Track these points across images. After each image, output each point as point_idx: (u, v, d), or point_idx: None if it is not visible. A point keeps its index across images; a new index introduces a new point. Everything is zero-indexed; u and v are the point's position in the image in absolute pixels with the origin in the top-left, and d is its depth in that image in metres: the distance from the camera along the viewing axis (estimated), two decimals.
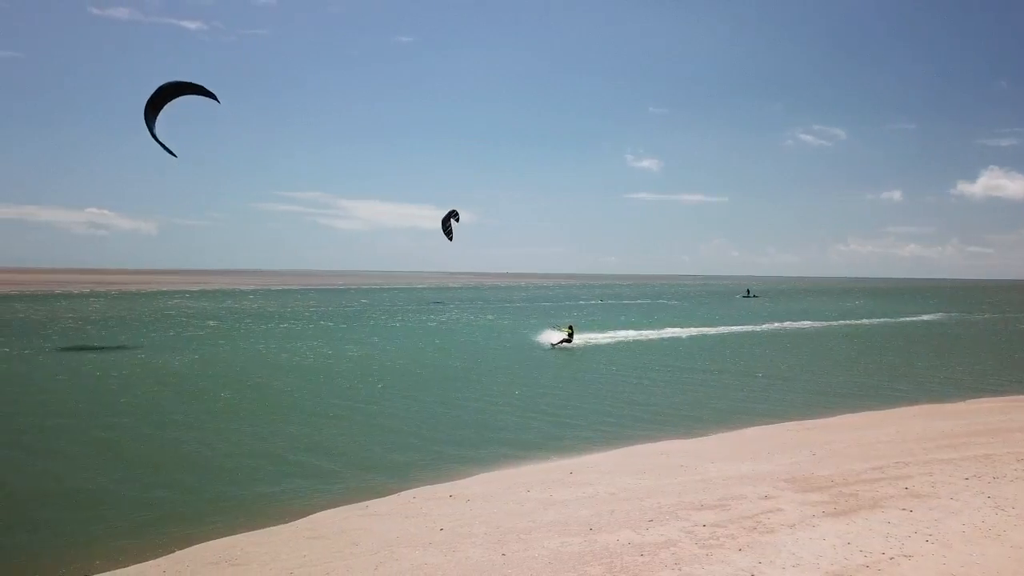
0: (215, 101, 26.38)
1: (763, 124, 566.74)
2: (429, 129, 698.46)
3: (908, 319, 67.15)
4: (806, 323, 59.02)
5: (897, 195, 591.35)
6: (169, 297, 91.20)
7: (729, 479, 12.42)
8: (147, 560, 9.90)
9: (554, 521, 10.28)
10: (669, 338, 44.45)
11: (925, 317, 70.06)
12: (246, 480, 13.66)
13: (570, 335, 37.37)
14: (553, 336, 38.07)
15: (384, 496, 12.62)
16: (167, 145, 25.88)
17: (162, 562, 9.84)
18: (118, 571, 9.60)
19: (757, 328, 52.98)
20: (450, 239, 39.11)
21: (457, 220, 39.08)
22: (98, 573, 9.55)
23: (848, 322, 61.64)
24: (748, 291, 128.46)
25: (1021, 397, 23.79)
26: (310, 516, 11.59)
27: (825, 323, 59.93)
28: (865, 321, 63.20)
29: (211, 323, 50.94)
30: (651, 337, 44.60)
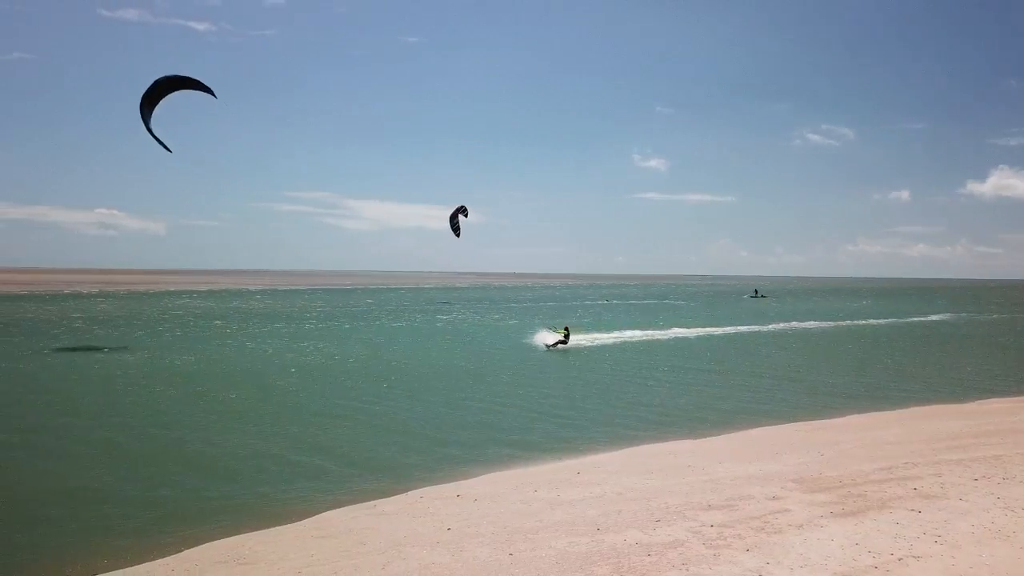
0: (213, 97, 26.32)
1: (770, 124, 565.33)
2: (436, 129, 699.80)
3: (916, 319, 66.85)
4: (814, 323, 58.82)
5: (905, 195, 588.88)
6: (177, 297, 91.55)
7: (737, 479, 12.39)
8: (155, 559, 9.94)
9: (561, 521, 10.28)
10: (676, 338, 44.36)
11: (934, 317, 69.73)
12: (253, 480, 13.70)
13: (566, 336, 37.17)
14: (549, 337, 37.87)
15: (391, 496, 12.63)
16: (162, 140, 25.77)
17: (170, 561, 9.88)
18: (126, 570, 9.64)
19: (764, 328, 52.82)
20: (457, 235, 38.93)
21: (466, 215, 38.88)
22: (106, 572, 9.59)
23: (856, 322, 61.41)
24: (756, 291, 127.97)
25: None
26: (317, 515, 11.61)
27: (833, 323, 59.72)
28: (873, 321, 62.94)
29: (218, 323, 51.12)
30: (657, 337, 44.53)
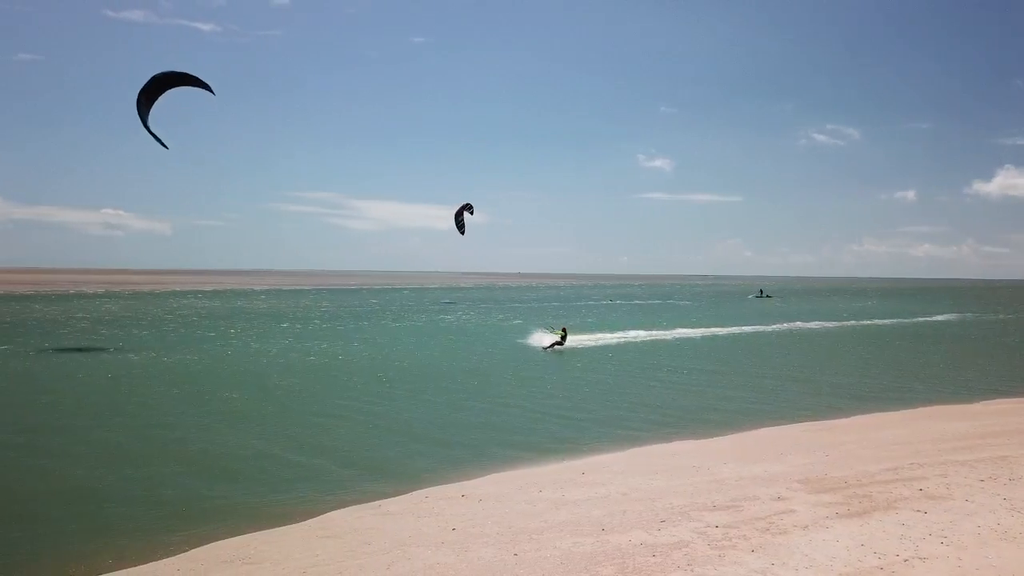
0: (211, 93, 26.12)
1: (775, 123, 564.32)
2: (441, 129, 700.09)
3: (922, 319, 66.65)
4: (818, 323, 58.70)
5: (911, 195, 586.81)
6: (182, 297, 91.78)
7: (741, 480, 12.38)
8: (160, 559, 9.96)
9: (566, 521, 10.28)
10: (680, 338, 44.30)
11: (939, 317, 69.49)
12: (257, 480, 13.72)
13: (563, 338, 37.06)
14: (545, 338, 37.76)
15: (396, 496, 12.64)
16: (160, 137, 25.56)
17: (175, 560, 9.90)
18: (131, 569, 9.66)
19: (768, 328, 52.74)
20: (462, 232, 38.95)
21: (471, 213, 38.89)
22: (111, 571, 9.61)
23: (861, 322, 61.26)
24: (762, 291, 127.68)
25: None
26: (322, 515, 11.63)
27: (838, 323, 59.59)
28: (878, 321, 62.79)
29: (222, 323, 51.22)
30: (662, 337, 44.48)
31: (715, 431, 18.13)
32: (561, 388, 24.77)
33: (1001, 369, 31.41)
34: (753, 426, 18.81)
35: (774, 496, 10.98)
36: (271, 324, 50.94)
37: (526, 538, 9.57)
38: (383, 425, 18.61)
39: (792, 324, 57.08)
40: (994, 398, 23.61)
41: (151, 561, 9.89)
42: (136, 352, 32.78)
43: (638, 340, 42.42)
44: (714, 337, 45.83)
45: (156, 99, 24.99)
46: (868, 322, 61.80)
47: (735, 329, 51.07)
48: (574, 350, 36.79)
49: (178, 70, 25.12)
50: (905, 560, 8.09)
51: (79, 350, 33.49)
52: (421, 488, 13.07)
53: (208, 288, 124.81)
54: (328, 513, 11.73)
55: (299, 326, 49.78)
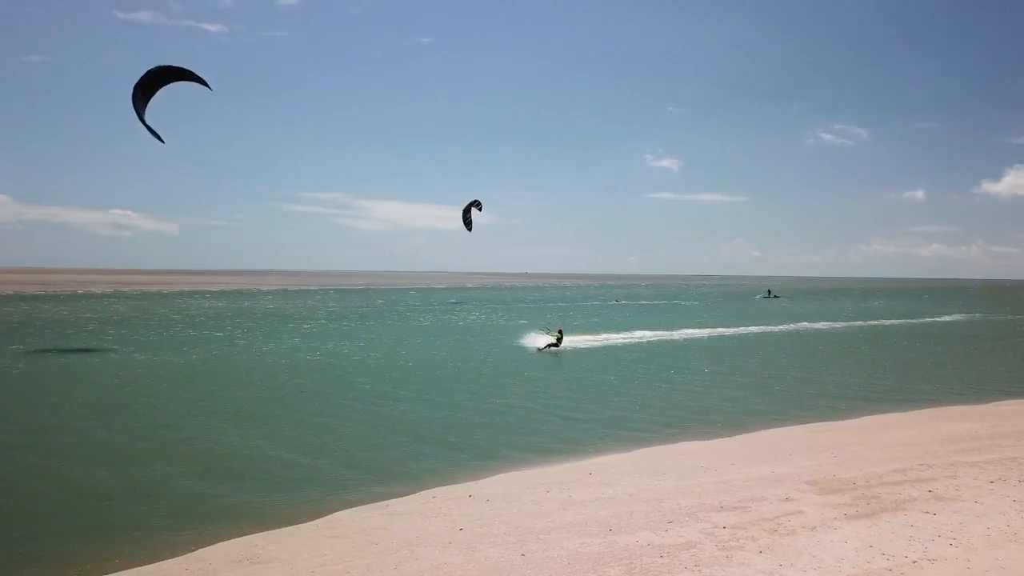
0: (208, 89, 26.07)
1: (783, 123, 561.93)
2: (448, 129, 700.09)
3: (930, 320, 66.38)
4: (826, 324, 58.52)
5: (920, 194, 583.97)
6: (189, 297, 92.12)
7: (749, 481, 12.35)
8: (168, 558, 10.00)
9: (573, 522, 10.28)
10: (686, 339, 44.23)
11: (948, 318, 69.18)
12: (264, 480, 13.76)
13: (558, 339, 36.96)
14: (540, 340, 37.66)
15: (403, 496, 12.66)
16: (156, 131, 25.51)
17: (183, 560, 9.94)
18: (140, 568, 9.70)
19: (776, 328, 52.61)
20: (469, 229, 38.81)
21: (480, 209, 38.75)
22: (120, 571, 9.65)
23: (869, 323, 61.04)
24: (769, 291, 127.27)
25: None
26: (330, 515, 11.66)
27: (845, 324, 59.40)
28: (886, 322, 62.55)
29: (229, 324, 51.40)
30: (668, 338, 44.42)
31: (722, 432, 18.10)
32: (567, 389, 24.76)
33: (1011, 370, 31.24)
34: (760, 427, 18.77)
35: (782, 497, 10.96)
36: (278, 324, 51.09)
37: (533, 538, 9.57)
38: (390, 426, 18.63)
39: (799, 324, 56.93)
40: (1004, 399, 23.50)
41: (159, 561, 9.93)
42: (143, 352, 32.92)
43: (644, 340, 42.38)
44: (721, 337, 45.74)
45: (153, 94, 24.95)
46: (876, 322, 61.57)
47: (742, 329, 50.97)
48: (580, 350, 36.79)
49: (175, 65, 25.07)
50: (914, 562, 8.06)
51: (87, 351, 33.64)
52: (428, 488, 13.08)
53: (215, 288, 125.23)
54: (335, 513, 11.76)
55: (306, 326, 49.90)
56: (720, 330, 49.96)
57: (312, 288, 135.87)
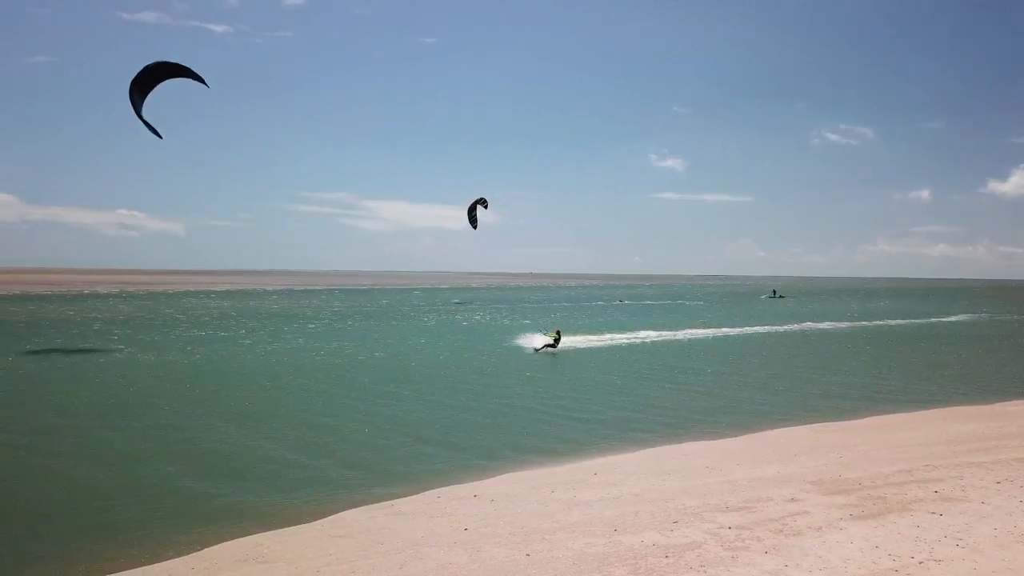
0: (204, 85, 25.99)
1: (788, 123, 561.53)
2: (453, 129, 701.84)
3: (936, 320, 66.15)
4: (831, 324, 58.37)
5: (926, 194, 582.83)
6: (195, 297, 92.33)
7: (754, 481, 12.32)
8: (174, 557, 10.02)
9: (578, 522, 10.27)
10: (691, 339, 44.18)
11: (953, 318, 68.95)
12: (269, 479, 13.78)
13: (556, 340, 36.90)
14: (537, 340, 37.57)
15: (409, 496, 12.66)
16: (153, 126, 25.40)
17: (188, 560, 9.95)
18: (146, 568, 9.72)
19: (780, 328, 52.50)
20: (474, 226, 38.85)
21: (485, 207, 38.77)
22: (125, 570, 9.67)
23: (874, 323, 60.86)
24: (775, 291, 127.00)
25: None
26: (335, 515, 11.66)
27: (851, 324, 59.24)
28: (891, 322, 62.36)
29: (234, 324, 51.50)
30: (672, 338, 44.36)
31: (727, 432, 18.06)
32: (571, 389, 24.74)
33: (1017, 370, 31.11)
34: (765, 427, 18.73)
35: (787, 497, 10.93)
36: (282, 324, 51.16)
37: (538, 538, 9.56)
38: (394, 426, 18.63)
39: (804, 324, 56.82)
40: (1010, 399, 23.41)
41: (164, 560, 9.94)
42: (148, 352, 33.00)
43: (648, 340, 42.33)
44: (725, 338, 45.65)
45: (150, 90, 24.83)
46: (881, 323, 61.39)
47: (746, 329, 50.89)
48: (583, 351, 36.76)
49: (171, 61, 24.89)
50: (920, 562, 8.02)
51: (92, 351, 33.74)
52: (433, 488, 13.08)
53: (220, 288, 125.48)
54: (340, 513, 11.77)
55: (310, 326, 49.97)
56: (725, 330, 49.87)
57: (317, 288, 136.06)
